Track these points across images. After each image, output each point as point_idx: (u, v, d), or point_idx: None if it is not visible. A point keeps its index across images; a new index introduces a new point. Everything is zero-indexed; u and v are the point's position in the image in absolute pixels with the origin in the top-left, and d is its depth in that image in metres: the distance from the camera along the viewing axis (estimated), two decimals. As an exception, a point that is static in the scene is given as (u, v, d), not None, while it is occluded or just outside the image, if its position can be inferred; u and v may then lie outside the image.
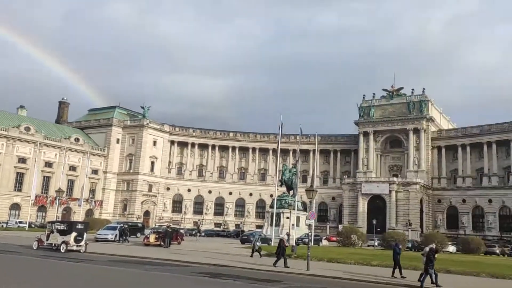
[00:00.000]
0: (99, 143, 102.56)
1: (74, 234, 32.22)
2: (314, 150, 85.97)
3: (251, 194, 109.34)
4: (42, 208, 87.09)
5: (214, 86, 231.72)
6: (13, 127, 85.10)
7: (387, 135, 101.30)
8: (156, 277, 20.91)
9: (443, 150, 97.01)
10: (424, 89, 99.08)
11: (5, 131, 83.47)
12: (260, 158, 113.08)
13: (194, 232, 79.16)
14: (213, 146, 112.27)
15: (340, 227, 78.30)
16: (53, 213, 76.48)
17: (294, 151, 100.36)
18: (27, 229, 65.36)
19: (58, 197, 65.55)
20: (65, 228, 33.27)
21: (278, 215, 60.37)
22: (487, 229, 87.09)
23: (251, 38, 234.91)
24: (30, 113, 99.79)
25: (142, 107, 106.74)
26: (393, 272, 24.37)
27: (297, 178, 66.34)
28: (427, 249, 22.32)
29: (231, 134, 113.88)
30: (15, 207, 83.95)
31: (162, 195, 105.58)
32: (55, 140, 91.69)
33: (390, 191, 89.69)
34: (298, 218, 60.96)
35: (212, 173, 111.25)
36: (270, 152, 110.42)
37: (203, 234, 72.89)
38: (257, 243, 34.18)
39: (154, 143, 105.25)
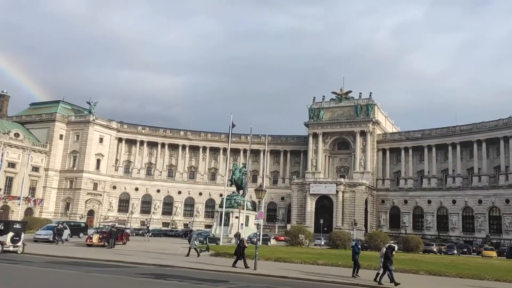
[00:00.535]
0: (41, 139, 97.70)
1: (10, 234, 30.40)
2: (264, 150, 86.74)
3: (200, 194, 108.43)
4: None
5: (166, 83, 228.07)
6: None
7: (335, 137, 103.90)
8: (97, 279, 20.11)
9: (388, 153, 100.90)
10: (371, 93, 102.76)
11: None
12: (210, 158, 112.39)
13: (143, 232, 77.38)
14: (163, 145, 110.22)
15: (289, 226, 79.34)
16: (-12, 212, 71.87)
17: (245, 151, 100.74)
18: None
19: (-6, 195, 61.64)
20: (1, 227, 31.30)
21: (227, 214, 60.31)
22: (426, 229, 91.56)
23: (205, 37, 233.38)
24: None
25: (88, 103, 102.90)
26: (353, 272, 24.49)
27: (247, 178, 66.62)
28: (383, 249, 22.69)
29: (182, 133, 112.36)
30: None
31: (108, 193, 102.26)
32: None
33: (337, 192, 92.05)
34: (247, 218, 61.20)
35: (161, 172, 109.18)
36: (221, 151, 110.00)
37: (150, 234, 71.37)
38: (195, 242, 33.96)
39: (101, 140, 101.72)
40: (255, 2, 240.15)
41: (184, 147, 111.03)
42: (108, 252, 34.03)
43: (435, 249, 61.85)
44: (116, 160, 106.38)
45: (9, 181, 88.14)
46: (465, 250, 68.43)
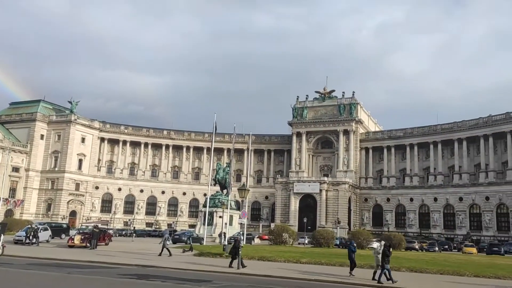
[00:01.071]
0: (21, 139, 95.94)
1: (-11, 236, 29.82)
2: (248, 150, 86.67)
3: (184, 193, 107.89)
4: (-47, 209, 79.89)
5: (149, 83, 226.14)
6: None
7: (319, 136, 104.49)
8: (79, 280, 19.87)
9: (370, 151, 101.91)
10: (354, 92, 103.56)
11: None
12: (194, 157, 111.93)
13: (128, 233, 76.77)
14: (146, 144, 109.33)
15: (273, 225, 79.53)
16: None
17: (229, 150, 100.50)
18: None
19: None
20: (-21, 230, 30.67)
21: (211, 214, 60.11)
22: (408, 226, 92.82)
23: (189, 36, 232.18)
24: None
25: (70, 102, 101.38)
26: (351, 270, 24.45)
27: (230, 177, 66.47)
28: (378, 247, 22.59)
29: (165, 132, 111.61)
30: None
31: (90, 194, 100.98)
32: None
33: (320, 190, 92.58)
34: (231, 217, 61.12)
35: (144, 172, 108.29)
36: (205, 151, 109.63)
37: (135, 234, 70.84)
38: (167, 242, 33.79)
39: (83, 140, 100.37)
40: (238, 1, 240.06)
41: (167, 146, 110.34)
42: (90, 253, 33.63)
43: (417, 246, 62.80)
44: (99, 160, 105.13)
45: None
46: (446, 247, 69.69)
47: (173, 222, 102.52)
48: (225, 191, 65.46)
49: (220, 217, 59.40)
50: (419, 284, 23.03)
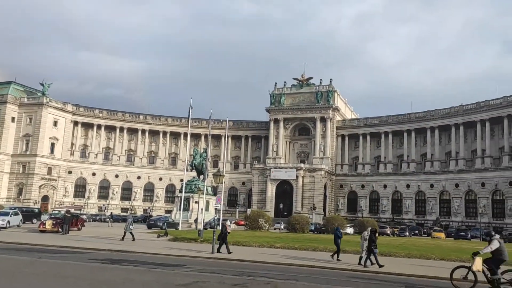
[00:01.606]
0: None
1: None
2: (225, 135, 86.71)
3: (160, 179, 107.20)
4: None
5: (127, 66, 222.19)
6: None
7: (296, 123, 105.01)
8: (49, 264, 19.58)
9: (347, 139, 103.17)
10: (331, 80, 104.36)
11: None
12: (171, 142, 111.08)
13: (103, 218, 75.96)
14: (121, 129, 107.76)
15: (249, 211, 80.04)
16: None
17: (206, 136, 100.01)
18: None
19: None
20: None
21: (187, 199, 60.12)
22: (382, 212, 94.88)
23: (168, 21, 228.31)
24: None
25: (42, 84, 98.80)
26: (337, 256, 24.67)
27: (207, 163, 66.31)
28: (365, 233, 23.01)
29: (141, 117, 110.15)
30: None
31: (63, 179, 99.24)
32: None
33: (297, 177, 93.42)
34: (207, 203, 61.23)
35: (119, 157, 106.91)
36: (182, 136, 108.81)
37: (112, 219, 70.05)
38: (130, 226, 33.76)
39: (55, 123, 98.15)
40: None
41: (143, 131, 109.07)
42: (62, 238, 33.15)
43: (388, 232, 64.34)
44: (72, 144, 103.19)
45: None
46: (417, 232, 71.71)
47: (149, 208, 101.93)
48: (201, 176, 65.38)
49: (196, 202, 59.44)
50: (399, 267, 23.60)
